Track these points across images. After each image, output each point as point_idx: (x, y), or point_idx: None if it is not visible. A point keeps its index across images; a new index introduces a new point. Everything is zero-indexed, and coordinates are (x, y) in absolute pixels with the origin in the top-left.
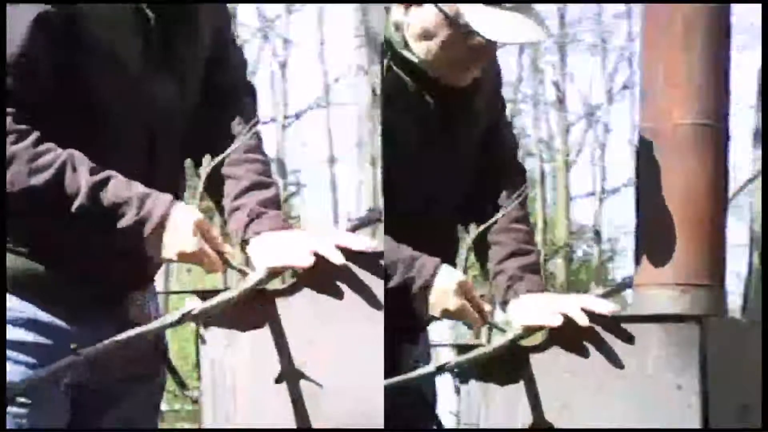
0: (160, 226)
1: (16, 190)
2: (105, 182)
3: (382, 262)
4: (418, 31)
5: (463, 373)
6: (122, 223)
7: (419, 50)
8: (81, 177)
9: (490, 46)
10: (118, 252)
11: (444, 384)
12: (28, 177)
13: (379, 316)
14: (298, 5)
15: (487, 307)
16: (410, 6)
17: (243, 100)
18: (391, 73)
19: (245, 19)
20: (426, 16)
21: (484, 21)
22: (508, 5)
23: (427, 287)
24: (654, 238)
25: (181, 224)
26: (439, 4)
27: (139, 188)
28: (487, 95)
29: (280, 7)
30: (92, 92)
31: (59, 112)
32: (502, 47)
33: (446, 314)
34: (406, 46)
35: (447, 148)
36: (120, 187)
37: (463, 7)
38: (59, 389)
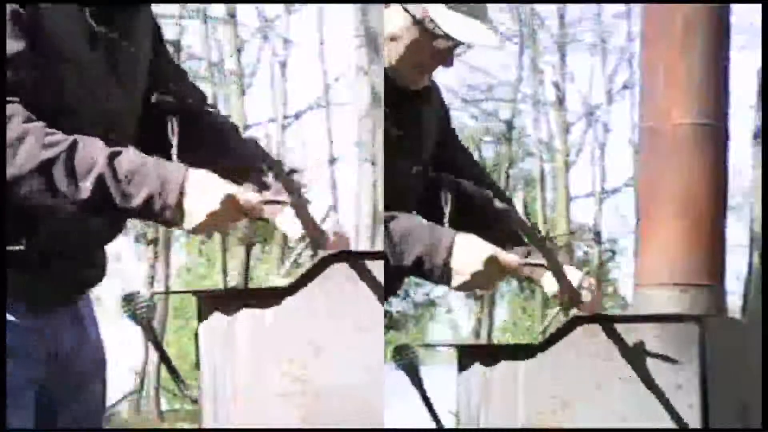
0: (183, 186)
1: (26, 171)
2: (119, 152)
3: (382, 262)
4: (387, 35)
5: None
6: (146, 191)
7: (386, 52)
8: (96, 149)
9: (449, 51)
10: (75, 252)
11: (444, 384)
12: (42, 150)
13: (380, 314)
14: (298, 5)
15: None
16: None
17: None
18: None
19: (245, 19)
20: (394, 19)
21: (450, 23)
22: (464, 8)
23: (451, 246)
24: (654, 238)
25: (205, 176)
26: (407, 6)
27: (151, 156)
28: (435, 109)
29: (280, 7)
30: (55, 92)
31: (29, 109)
32: (460, 55)
33: (476, 277)
34: None
35: (399, 154)
36: (136, 155)
37: (430, 9)
38: (32, 390)
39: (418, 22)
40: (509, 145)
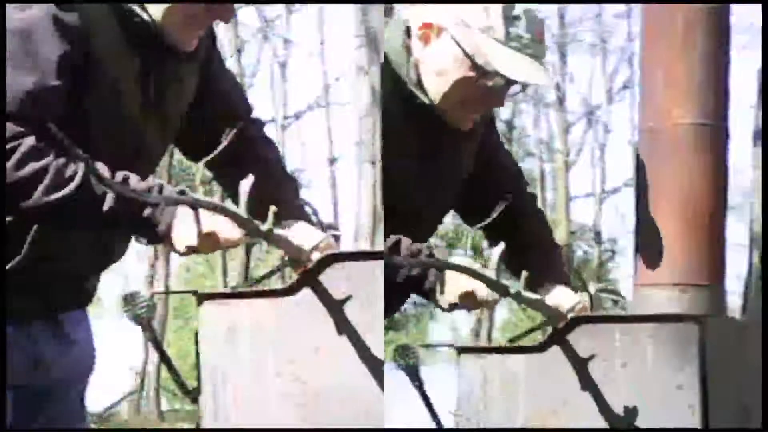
0: (174, 218)
1: (40, 203)
2: (127, 178)
3: (382, 262)
4: (435, 67)
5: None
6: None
7: (431, 86)
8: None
9: (501, 91)
10: (63, 270)
11: (444, 384)
12: (53, 191)
13: (380, 314)
14: (298, 5)
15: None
16: (430, 40)
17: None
18: (391, 102)
19: (245, 19)
20: (445, 50)
21: (503, 61)
22: (514, 44)
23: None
24: (654, 238)
25: (190, 213)
26: (459, 40)
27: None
28: (478, 139)
29: (280, 7)
30: (90, 126)
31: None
32: (512, 97)
33: (463, 298)
34: (419, 83)
35: (431, 183)
36: (137, 180)
37: (483, 45)
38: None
39: (467, 56)
40: (509, 145)
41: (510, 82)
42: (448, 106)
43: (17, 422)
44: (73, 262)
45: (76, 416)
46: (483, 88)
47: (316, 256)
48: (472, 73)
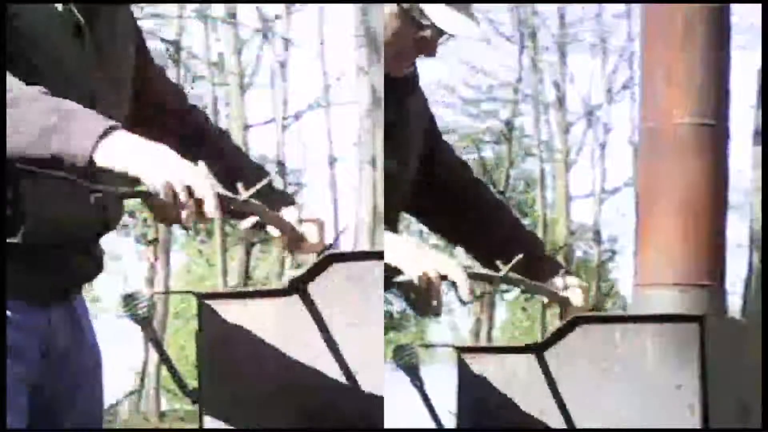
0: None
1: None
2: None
3: (382, 261)
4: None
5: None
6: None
7: None
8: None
9: (434, 40)
10: (69, 244)
11: (444, 384)
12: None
13: (379, 314)
14: (298, 5)
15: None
16: None
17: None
18: None
19: (245, 19)
20: (386, 7)
21: (435, 13)
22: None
23: None
24: (654, 238)
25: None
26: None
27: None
28: (419, 102)
29: (280, 7)
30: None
31: None
32: (443, 43)
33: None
34: None
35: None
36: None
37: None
38: (22, 391)
39: (404, 11)
40: (509, 145)
41: (441, 33)
42: (387, 56)
43: (37, 426)
44: (69, 222)
45: (95, 419)
46: (416, 38)
47: (303, 228)
48: (407, 25)
